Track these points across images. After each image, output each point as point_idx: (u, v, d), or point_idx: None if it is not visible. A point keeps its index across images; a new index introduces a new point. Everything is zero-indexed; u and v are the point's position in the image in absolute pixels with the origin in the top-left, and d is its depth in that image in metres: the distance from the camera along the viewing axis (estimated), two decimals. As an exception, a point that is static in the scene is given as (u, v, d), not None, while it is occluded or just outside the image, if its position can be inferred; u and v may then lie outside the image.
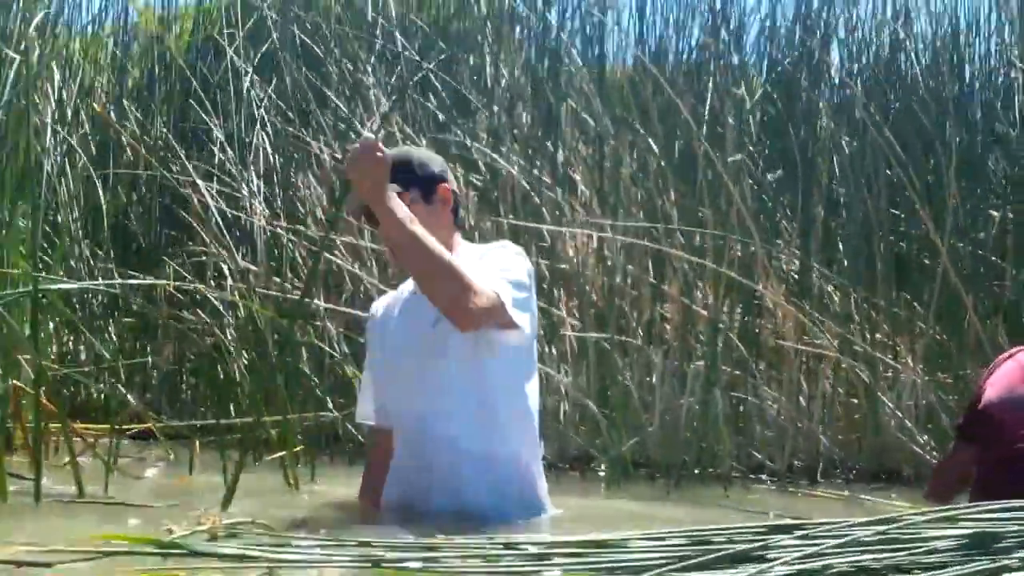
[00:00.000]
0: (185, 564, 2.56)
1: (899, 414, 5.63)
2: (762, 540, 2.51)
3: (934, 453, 5.54)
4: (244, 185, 6.28)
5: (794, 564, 2.33)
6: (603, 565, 2.59)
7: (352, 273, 5.90)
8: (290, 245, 6.10)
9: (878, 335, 5.92)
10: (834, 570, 2.35)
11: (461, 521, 3.16)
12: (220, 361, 5.75)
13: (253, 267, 6.03)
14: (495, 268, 3.30)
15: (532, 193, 6.05)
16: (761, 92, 6.81)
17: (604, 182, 6.21)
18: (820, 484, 5.45)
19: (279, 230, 6.11)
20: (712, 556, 2.45)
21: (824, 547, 2.38)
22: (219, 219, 6.17)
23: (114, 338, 6.01)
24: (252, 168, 6.35)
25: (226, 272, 6.06)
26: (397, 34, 6.81)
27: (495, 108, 6.55)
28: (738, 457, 5.46)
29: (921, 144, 6.32)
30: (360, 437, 5.26)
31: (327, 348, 5.64)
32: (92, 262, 6.08)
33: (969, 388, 5.79)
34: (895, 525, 2.57)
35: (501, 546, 2.73)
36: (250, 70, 6.66)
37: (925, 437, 5.63)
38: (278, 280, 5.99)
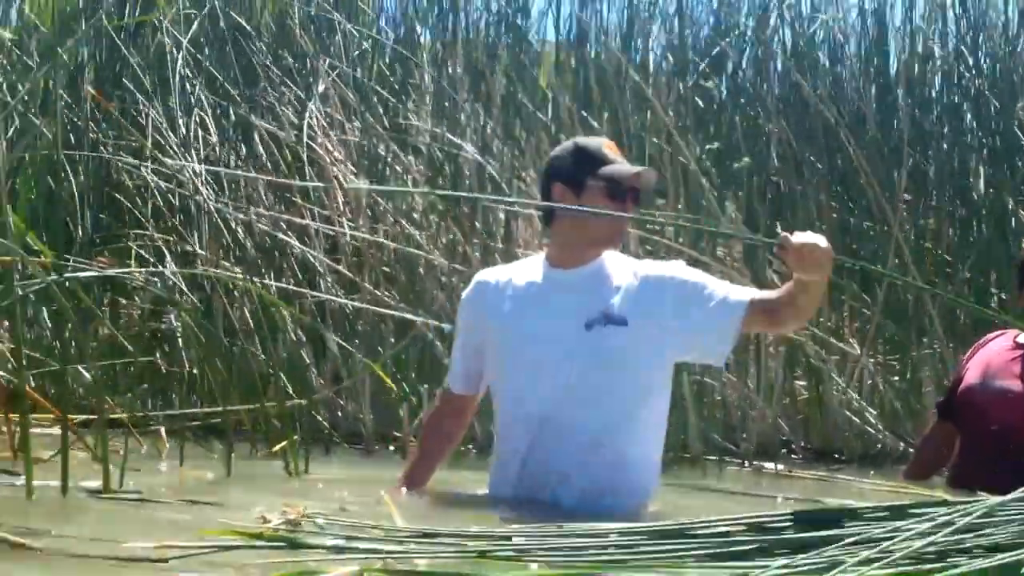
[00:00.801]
0: (296, 557, 2.53)
1: (851, 393, 5.77)
2: (880, 525, 2.59)
3: (886, 433, 5.70)
4: (187, 167, 6.14)
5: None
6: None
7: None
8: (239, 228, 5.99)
9: (823, 319, 6.06)
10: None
11: (579, 515, 3.16)
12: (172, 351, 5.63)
13: (200, 250, 5.92)
14: (717, 282, 3.49)
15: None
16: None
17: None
18: (777, 464, 5.55)
19: (227, 212, 5.99)
20: (846, 542, 2.50)
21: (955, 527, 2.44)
22: (161, 203, 6.05)
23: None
24: (193, 149, 6.22)
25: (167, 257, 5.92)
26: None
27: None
28: (705, 440, 5.53)
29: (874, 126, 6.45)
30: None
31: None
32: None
33: (915, 370, 6.01)
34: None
35: (612, 532, 2.76)
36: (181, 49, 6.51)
37: (874, 416, 5.78)
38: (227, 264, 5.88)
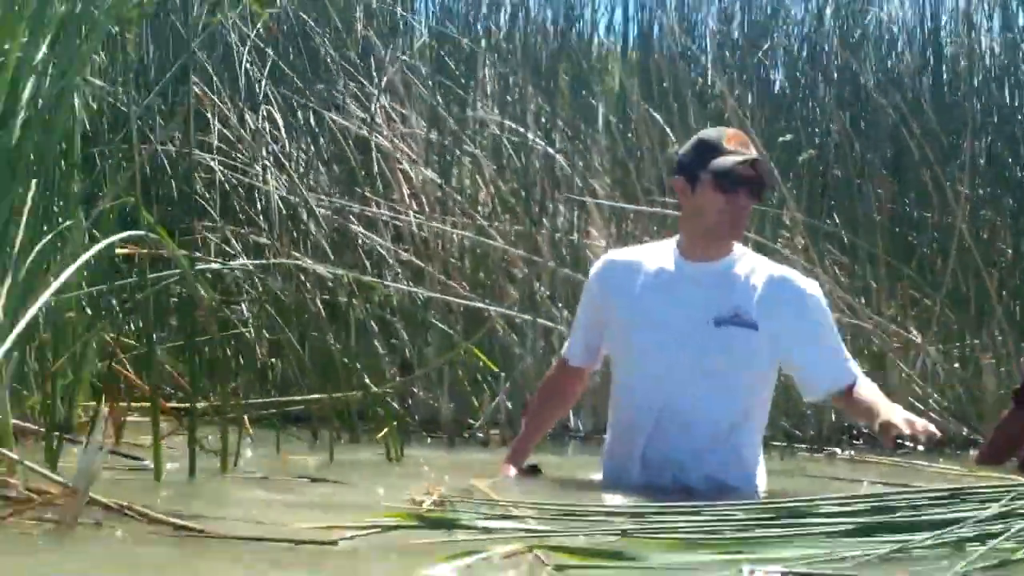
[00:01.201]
0: (453, 536, 2.64)
1: (914, 379, 5.87)
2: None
3: (950, 419, 5.81)
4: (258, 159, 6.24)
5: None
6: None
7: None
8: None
9: (884, 309, 6.16)
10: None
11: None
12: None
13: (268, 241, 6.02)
14: (838, 334, 3.64)
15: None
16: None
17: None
18: (844, 450, 5.66)
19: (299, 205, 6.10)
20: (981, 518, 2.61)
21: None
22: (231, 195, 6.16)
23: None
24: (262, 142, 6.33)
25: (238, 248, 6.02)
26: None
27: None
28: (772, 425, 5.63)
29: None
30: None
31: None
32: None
33: (977, 358, 6.12)
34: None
35: (742, 510, 2.88)
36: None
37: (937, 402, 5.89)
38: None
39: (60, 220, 3.53)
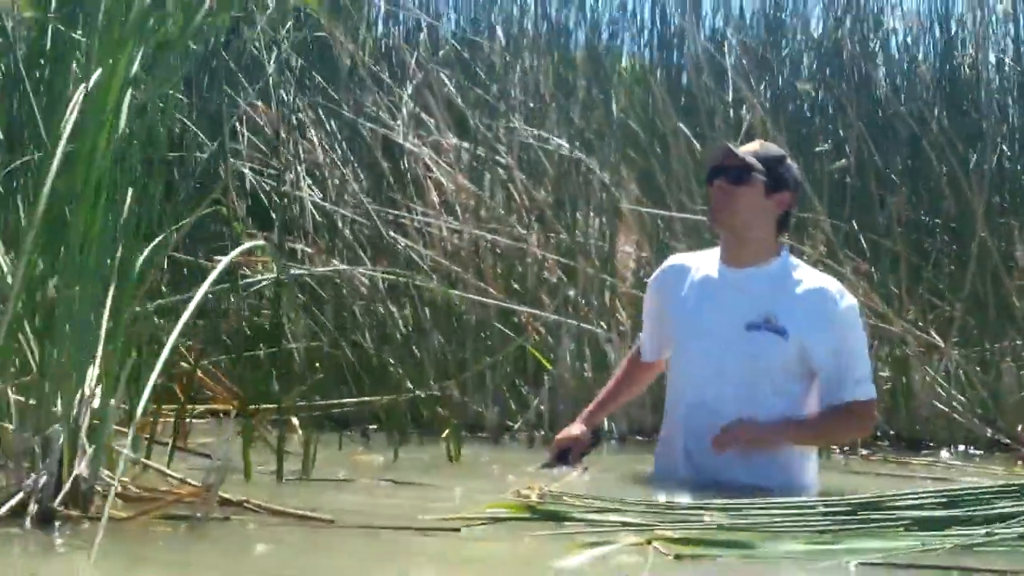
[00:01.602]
0: (561, 529, 2.79)
1: (939, 381, 6.03)
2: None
3: (975, 421, 5.97)
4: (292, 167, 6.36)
5: None
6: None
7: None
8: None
9: (904, 314, 6.32)
10: None
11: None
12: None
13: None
14: (861, 353, 3.73)
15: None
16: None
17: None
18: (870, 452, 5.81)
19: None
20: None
21: None
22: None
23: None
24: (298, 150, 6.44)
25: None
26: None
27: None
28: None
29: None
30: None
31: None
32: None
33: (996, 362, 6.29)
34: None
35: (819, 505, 3.04)
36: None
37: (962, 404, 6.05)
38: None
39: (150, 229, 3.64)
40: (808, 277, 3.75)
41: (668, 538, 2.64)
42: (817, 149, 6.16)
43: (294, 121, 6.61)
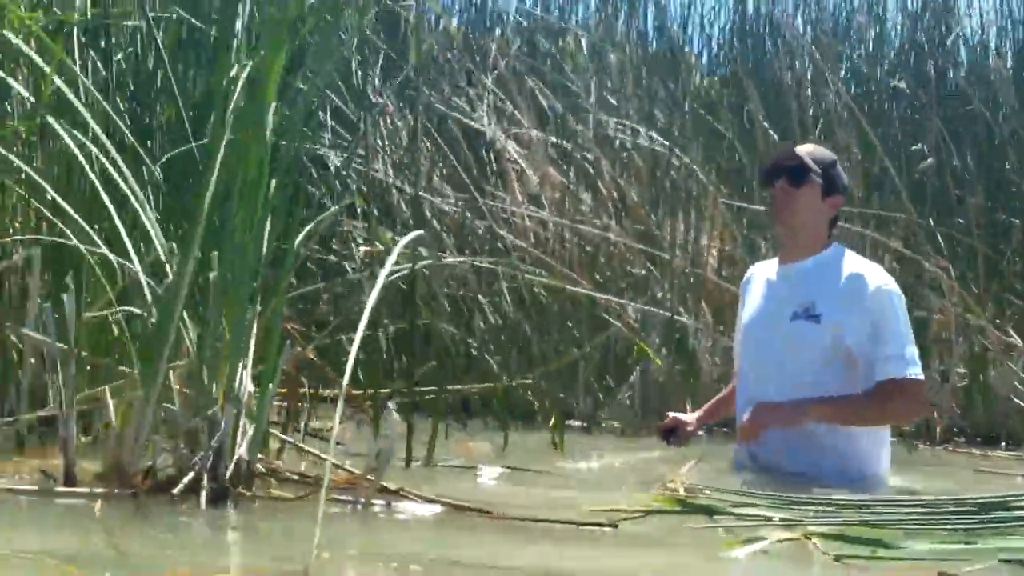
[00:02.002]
0: (711, 522, 2.88)
1: (1020, 375, 6.10)
2: None
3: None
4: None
5: None
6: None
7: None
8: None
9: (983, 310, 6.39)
10: None
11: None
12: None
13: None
14: (905, 334, 3.74)
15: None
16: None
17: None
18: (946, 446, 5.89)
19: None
20: None
21: None
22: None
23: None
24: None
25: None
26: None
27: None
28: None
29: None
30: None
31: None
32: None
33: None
34: None
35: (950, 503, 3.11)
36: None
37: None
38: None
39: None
40: (850, 264, 3.83)
41: (821, 534, 2.73)
42: (913, 148, 6.22)
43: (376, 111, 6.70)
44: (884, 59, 7.33)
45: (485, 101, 6.78)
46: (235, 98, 3.21)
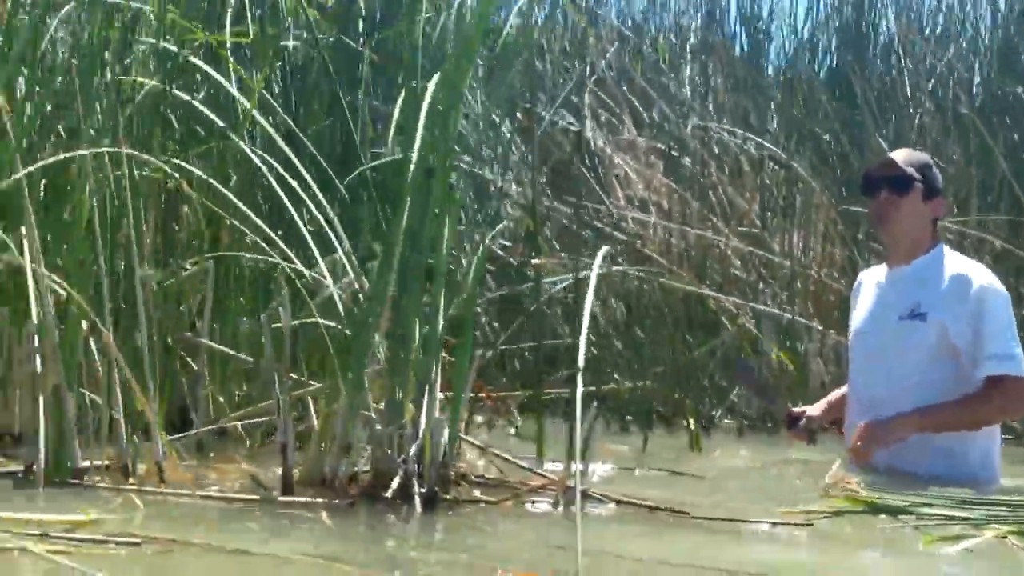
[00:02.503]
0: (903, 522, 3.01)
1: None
2: None
3: None
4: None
5: None
6: None
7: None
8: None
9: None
10: None
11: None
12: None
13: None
14: (1008, 333, 3.79)
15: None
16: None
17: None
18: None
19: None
20: None
21: None
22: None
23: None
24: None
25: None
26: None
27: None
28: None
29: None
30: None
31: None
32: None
33: None
34: None
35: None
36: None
37: None
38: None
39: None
40: (954, 264, 3.90)
41: (1017, 532, 2.85)
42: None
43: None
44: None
45: (587, 106, 6.90)
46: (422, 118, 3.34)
